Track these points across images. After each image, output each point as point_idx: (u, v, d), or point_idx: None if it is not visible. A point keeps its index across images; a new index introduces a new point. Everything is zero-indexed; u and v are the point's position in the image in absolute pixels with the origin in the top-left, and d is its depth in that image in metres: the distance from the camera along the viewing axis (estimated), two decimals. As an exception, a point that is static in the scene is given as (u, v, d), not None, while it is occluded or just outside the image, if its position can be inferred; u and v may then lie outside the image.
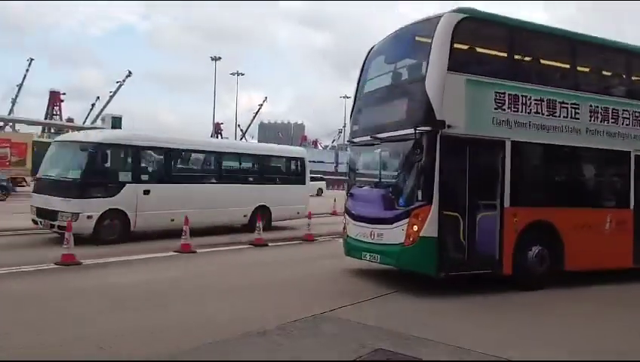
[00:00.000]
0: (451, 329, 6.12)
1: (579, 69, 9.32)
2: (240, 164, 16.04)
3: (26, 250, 10.91)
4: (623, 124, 9.27)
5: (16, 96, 58.01)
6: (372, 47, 9.56)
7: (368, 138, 8.78)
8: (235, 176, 15.42)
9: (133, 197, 12.29)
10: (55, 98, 60.29)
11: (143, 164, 13.14)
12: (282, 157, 17.17)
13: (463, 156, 7.83)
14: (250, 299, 7.30)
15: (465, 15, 7.94)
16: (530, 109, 8.36)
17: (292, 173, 16.90)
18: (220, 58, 58.75)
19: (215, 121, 61.04)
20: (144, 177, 12.80)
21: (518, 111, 8.24)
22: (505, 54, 8.58)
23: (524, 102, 8.30)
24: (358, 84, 9.56)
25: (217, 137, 58.94)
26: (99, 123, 40.68)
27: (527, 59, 8.99)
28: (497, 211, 8.05)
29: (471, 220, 7.84)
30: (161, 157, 13.66)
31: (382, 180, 8.76)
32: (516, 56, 8.65)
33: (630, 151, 9.34)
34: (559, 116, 8.63)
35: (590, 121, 8.94)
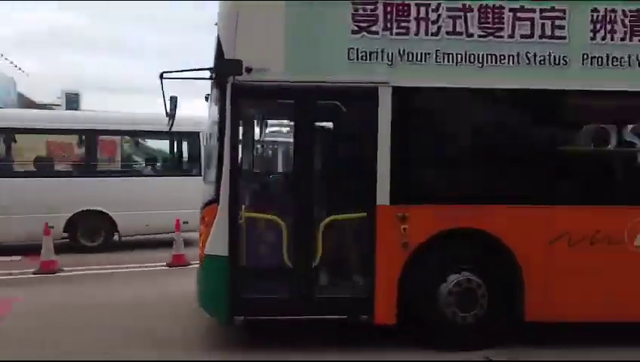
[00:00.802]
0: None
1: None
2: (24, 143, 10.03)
3: None
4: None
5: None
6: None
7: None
8: (16, 165, 9.82)
9: None
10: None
11: None
12: (138, 132, 10.46)
13: (284, 119, 4.61)
14: None
15: None
16: (439, 27, 4.59)
17: (169, 158, 10.81)
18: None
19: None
20: None
21: (407, 32, 4.58)
22: None
23: (422, 15, 4.58)
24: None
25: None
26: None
27: None
28: (366, 213, 4.60)
29: (305, 228, 4.56)
30: None
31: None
32: None
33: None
34: (512, 35, 4.63)
35: (594, 39, 4.68)
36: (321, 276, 4.64)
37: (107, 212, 9.45)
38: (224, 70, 4.44)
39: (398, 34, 4.56)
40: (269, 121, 5.69)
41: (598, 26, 4.66)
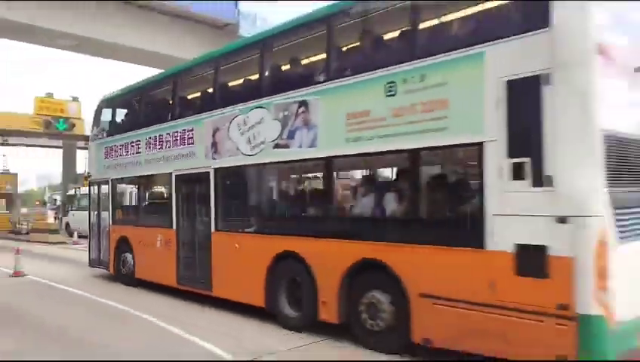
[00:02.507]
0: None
1: (143, 110, 10.71)
2: None
3: None
4: (166, 147, 9.82)
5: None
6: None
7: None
8: None
9: None
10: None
11: None
12: None
13: (96, 191, 12.39)
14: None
15: (103, 98, 12.39)
16: (119, 153, 11.38)
17: None
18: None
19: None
20: None
21: (113, 157, 11.59)
22: (113, 119, 11.84)
23: (116, 150, 11.50)
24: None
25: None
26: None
27: (121, 119, 11.55)
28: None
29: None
30: None
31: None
32: (117, 119, 11.73)
33: (171, 173, 9.64)
34: (129, 153, 10.94)
35: (146, 151, 10.40)
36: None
37: None
38: (90, 177, 12.67)
39: (112, 158, 11.66)
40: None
41: (148, 144, 10.36)
